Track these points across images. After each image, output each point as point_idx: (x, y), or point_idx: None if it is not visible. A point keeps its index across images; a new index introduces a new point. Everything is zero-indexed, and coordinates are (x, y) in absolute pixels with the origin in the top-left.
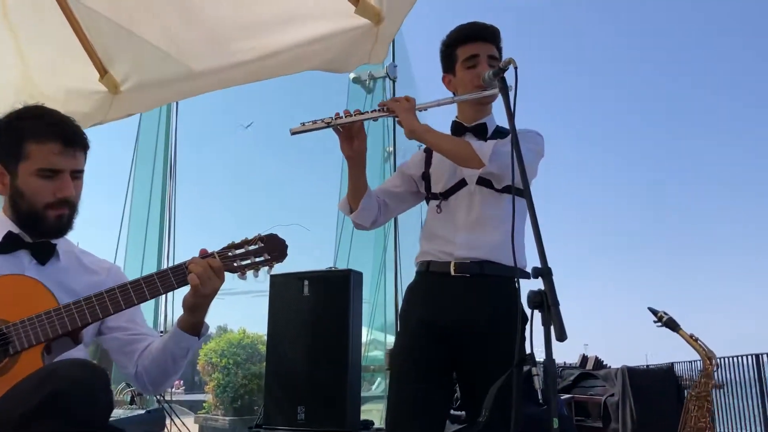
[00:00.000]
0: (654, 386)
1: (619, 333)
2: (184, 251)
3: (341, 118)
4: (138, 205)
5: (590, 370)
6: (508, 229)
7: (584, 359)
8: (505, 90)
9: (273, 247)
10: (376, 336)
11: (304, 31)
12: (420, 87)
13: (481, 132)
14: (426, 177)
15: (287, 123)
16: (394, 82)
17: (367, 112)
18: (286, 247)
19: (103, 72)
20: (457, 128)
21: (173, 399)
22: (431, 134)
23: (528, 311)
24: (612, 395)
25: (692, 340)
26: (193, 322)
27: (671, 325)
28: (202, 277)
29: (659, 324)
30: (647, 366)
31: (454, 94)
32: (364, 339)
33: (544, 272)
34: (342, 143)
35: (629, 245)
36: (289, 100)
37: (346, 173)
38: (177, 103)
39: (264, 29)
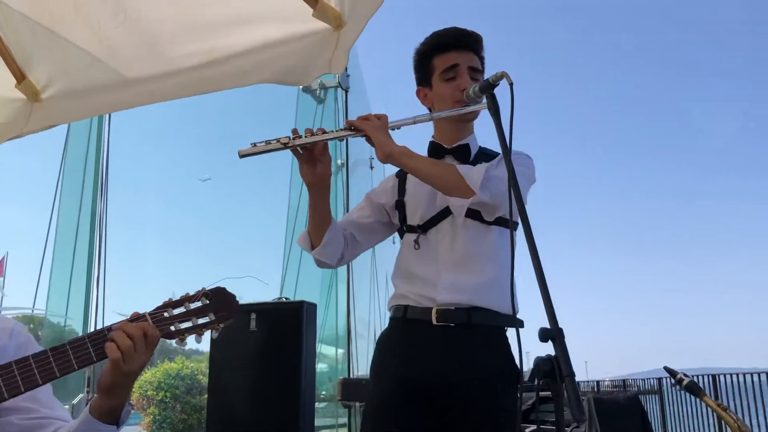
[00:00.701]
0: (620, 414)
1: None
2: (115, 273)
3: (300, 137)
4: (65, 220)
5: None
6: (499, 267)
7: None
8: (495, 110)
9: (220, 305)
10: (324, 350)
11: (255, 35)
12: (371, 98)
13: (462, 154)
14: (400, 206)
15: (228, 135)
16: (346, 92)
17: (332, 131)
18: (237, 305)
19: (20, 77)
20: (435, 150)
21: None
22: (410, 158)
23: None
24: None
25: (720, 409)
26: (111, 406)
27: (693, 389)
28: (128, 351)
29: (678, 387)
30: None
31: (430, 109)
32: None
33: (554, 334)
34: (302, 167)
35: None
36: (232, 110)
37: (293, 194)
38: (109, 114)
39: (209, 32)
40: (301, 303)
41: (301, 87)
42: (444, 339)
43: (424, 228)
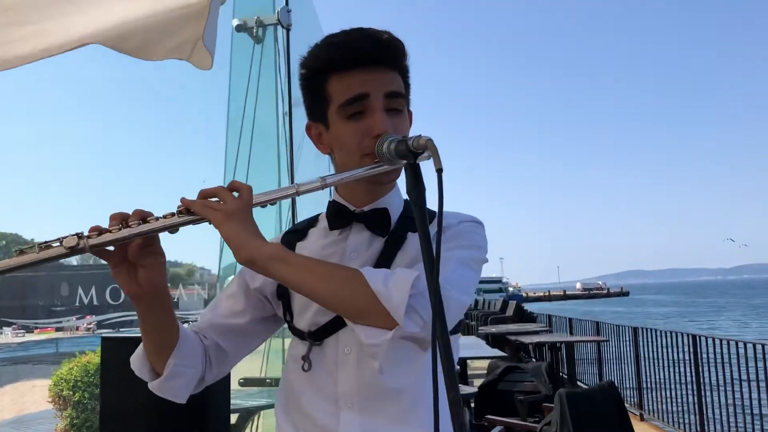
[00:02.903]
0: (595, 410)
1: (532, 249)
2: None
3: (98, 234)
4: None
5: (517, 364)
6: (429, 412)
7: (505, 304)
8: (415, 192)
9: None
10: None
11: (104, 11)
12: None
13: (379, 222)
14: (284, 296)
15: (159, 80)
16: (288, 30)
17: (157, 218)
18: None
19: None
20: (338, 215)
21: None
22: (287, 265)
23: None
24: (548, 424)
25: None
26: None
27: None
28: None
29: None
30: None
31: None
32: None
33: None
34: (115, 273)
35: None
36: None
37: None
38: None
39: (37, 10)
40: None
41: (235, 26)
42: None
43: (316, 336)
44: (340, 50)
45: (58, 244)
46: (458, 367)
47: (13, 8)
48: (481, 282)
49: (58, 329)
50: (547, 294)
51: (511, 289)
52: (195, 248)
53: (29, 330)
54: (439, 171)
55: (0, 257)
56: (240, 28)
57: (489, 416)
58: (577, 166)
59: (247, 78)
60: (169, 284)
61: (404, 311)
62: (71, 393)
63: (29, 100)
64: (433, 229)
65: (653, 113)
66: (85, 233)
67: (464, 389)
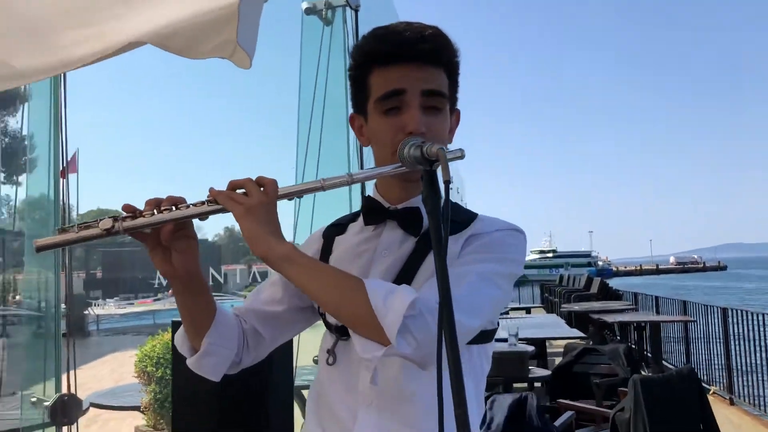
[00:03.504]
0: (673, 397)
1: (623, 221)
2: None
3: (132, 217)
4: None
5: (594, 346)
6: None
7: (589, 281)
8: (430, 200)
9: None
10: None
11: (147, 13)
12: (405, 17)
13: (411, 221)
14: None
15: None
16: (356, 12)
17: (189, 204)
18: None
19: None
20: (372, 211)
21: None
22: (295, 266)
23: None
24: (621, 410)
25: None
26: None
27: None
28: None
29: None
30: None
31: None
32: None
33: None
34: (151, 255)
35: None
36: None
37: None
38: None
39: (93, 14)
40: None
41: (304, 9)
42: None
43: (343, 332)
44: (381, 43)
45: (96, 225)
46: (531, 348)
47: (73, 11)
48: (569, 256)
49: (156, 301)
50: (638, 268)
51: (600, 263)
52: (288, 225)
53: (130, 302)
54: (447, 182)
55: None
56: (309, 11)
57: (561, 400)
58: (673, 131)
59: (317, 61)
60: (242, 261)
61: (397, 331)
62: (154, 369)
63: (128, 86)
64: (464, 236)
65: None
66: (122, 215)
67: (538, 372)
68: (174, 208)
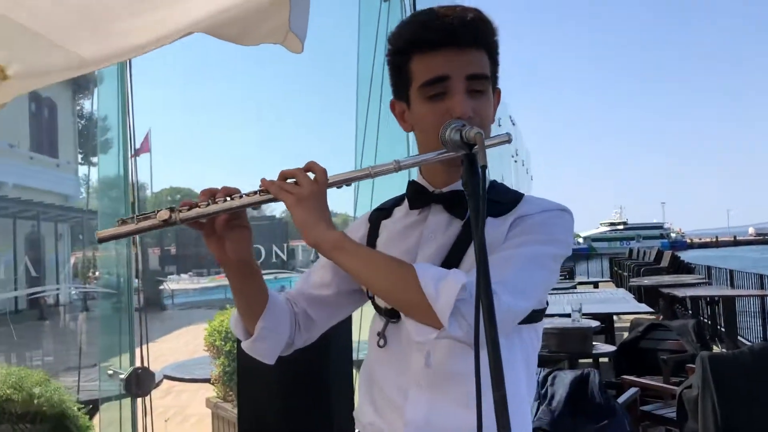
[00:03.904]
0: (744, 375)
1: (698, 192)
2: None
3: (188, 209)
4: None
5: (662, 321)
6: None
7: (659, 254)
8: (472, 183)
9: None
10: None
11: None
12: None
13: (457, 204)
14: None
15: None
16: None
17: (242, 194)
18: None
19: None
20: (417, 195)
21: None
22: (345, 253)
23: None
24: (689, 387)
25: None
26: None
27: None
28: None
29: None
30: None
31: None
32: None
33: None
34: (207, 241)
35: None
36: None
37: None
38: None
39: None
40: None
41: None
42: None
43: (392, 314)
44: (422, 30)
45: (154, 216)
46: (595, 324)
47: None
48: (641, 228)
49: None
50: (714, 240)
51: (673, 235)
52: (349, 200)
53: (203, 276)
54: (483, 167)
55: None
56: None
57: (625, 377)
58: (749, 94)
59: (375, 37)
60: None
61: (449, 314)
62: (222, 343)
63: (197, 65)
64: (510, 218)
65: None
66: (177, 207)
67: (602, 348)
68: (228, 198)
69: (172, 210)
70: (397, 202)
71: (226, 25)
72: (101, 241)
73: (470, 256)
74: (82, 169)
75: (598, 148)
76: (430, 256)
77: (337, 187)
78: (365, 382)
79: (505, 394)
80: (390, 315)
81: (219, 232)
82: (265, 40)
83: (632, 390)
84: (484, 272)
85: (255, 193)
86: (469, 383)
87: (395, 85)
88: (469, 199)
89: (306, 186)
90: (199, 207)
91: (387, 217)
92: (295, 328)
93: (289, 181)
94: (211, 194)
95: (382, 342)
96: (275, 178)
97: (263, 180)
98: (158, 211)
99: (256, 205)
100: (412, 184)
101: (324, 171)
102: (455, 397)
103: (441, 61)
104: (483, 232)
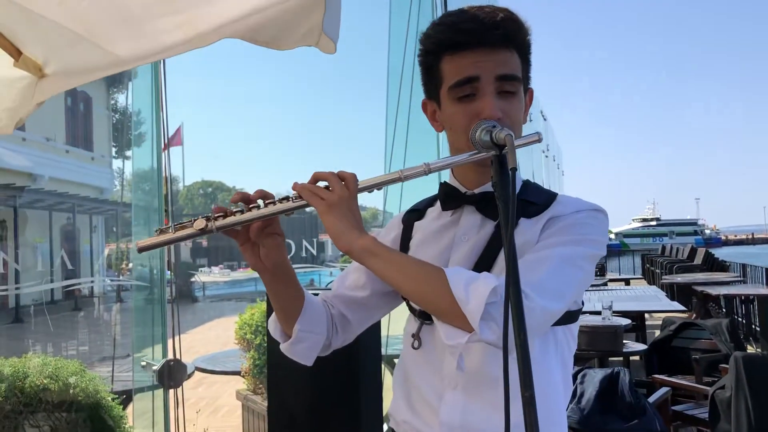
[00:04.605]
0: None
1: (733, 188)
2: None
3: (223, 217)
4: None
5: (694, 320)
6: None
7: (693, 251)
8: (502, 185)
9: None
10: None
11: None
12: None
13: (489, 205)
14: None
15: None
16: None
17: (276, 200)
18: None
19: (16, 53)
20: (449, 197)
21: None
22: (377, 258)
23: None
24: (722, 388)
25: None
26: None
27: None
28: None
29: None
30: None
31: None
32: None
33: None
34: (242, 249)
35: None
36: None
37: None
38: None
39: (182, 2)
40: None
41: None
42: None
43: (427, 316)
44: (452, 31)
45: (190, 225)
46: (626, 322)
47: None
48: (674, 224)
49: None
50: (750, 237)
51: (707, 231)
52: (378, 194)
53: (233, 269)
54: (513, 170)
55: (208, 203)
56: None
57: (656, 376)
58: None
59: (405, 33)
60: None
61: (480, 318)
62: (253, 336)
63: (243, 62)
64: (544, 218)
65: None
66: (213, 215)
67: (633, 346)
68: (262, 203)
69: (208, 219)
70: (430, 202)
71: (260, 30)
72: (141, 250)
73: (503, 257)
74: (116, 163)
75: (630, 142)
76: (463, 258)
77: (368, 192)
78: (400, 381)
79: (534, 394)
80: (424, 317)
81: (254, 239)
82: (300, 44)
83: (663, 389)
84: (513, 275)
85: (287, 198)
86: (503, 386)
87: (426, 85)
88: (498, 201)
89: (337, 191)
90: (234, 215)
91: (420, 218)
92: (333, 330)
93: (320, 184)
94: (243, 198)
95: (416, 344)
96: (307, 177)
97: (295, 184)
98: (194, 220)
99: (289, 212)
100: (444, 186)
101: (354, 177)
102: (490, 400)
103: (470, 61)
104: (512, 234)
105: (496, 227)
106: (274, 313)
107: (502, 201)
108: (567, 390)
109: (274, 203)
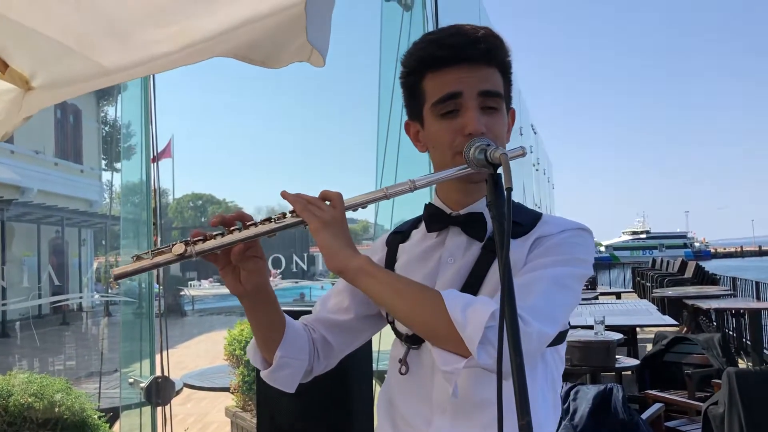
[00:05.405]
0: None
1: (722, 201)
2: None
3: (203, 240)
4: None
5: (686, 335)
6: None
7: (683, 265)
8: (497, 205)
9: None
10: None
11: (224, 13)
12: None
13: (475, 227)
14: None
15: None
16: None
17: (259, 222)
18: None
19: (2, 65)
20: (433, 218)
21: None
22: (372, 279)
23: None
24: (715, 404)
25: None
26: None
27: None
28: None
29: None
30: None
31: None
32: None
33: None
34: (222, 273)
35: None
36: None
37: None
38: None
39: (173, 14)
40: None
41: None
42: None
43: (414, 340)
44: (434, 48)
45: (169, 250)
46: (618, 336)
47: (153, 11)
48: (664, 237)
49: None
50: (739, 250)
51: (697, 244)
52: (370, 207)
53: (223, 283)
54: (509, 190)
55: (198, 216)
56: None
57: (649, 391)
58: None
59: (397, 47)
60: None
61: (478, 342)
62: (242, 353)
63: (231, 73)
64: (530, 239)
65: None
66: (191, 239)
67: (626, 361)
68: (242, 227)
69: (186, 243)
70: (414, 224)
71: (253, 48)
72: (117, 278)
73: (491, 279)
74: (106, 175)
75: (620, 156)
76: (449, 280)
77: (353, 210)
78: (385, 407)
79: (531, 421)
80: (411, 341)
81: (234, 263)
82: (293, 60)
83: (656, 405)
84: (509, 298)
85: (269, 220)
86: (494, 410)
87: (409, 105)
88: (493, 221)
89: (328, 210)
90: (214, 239)
91: (404, 240)
92: (314, 355)
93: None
94: (223, 221)
95: (404, 369)
96: (298, 191)
97: (285, 193)
98: (173, 245)
99: (271, 234)
100: (428, 207)
101: (340, 196)
102: (480, 423)
103: (453, 78)
104: (508, 255)
105: (483, 248)
106: (253, 339)
107: (497, 221)
108: (556, 412)
109: (255, 225)
